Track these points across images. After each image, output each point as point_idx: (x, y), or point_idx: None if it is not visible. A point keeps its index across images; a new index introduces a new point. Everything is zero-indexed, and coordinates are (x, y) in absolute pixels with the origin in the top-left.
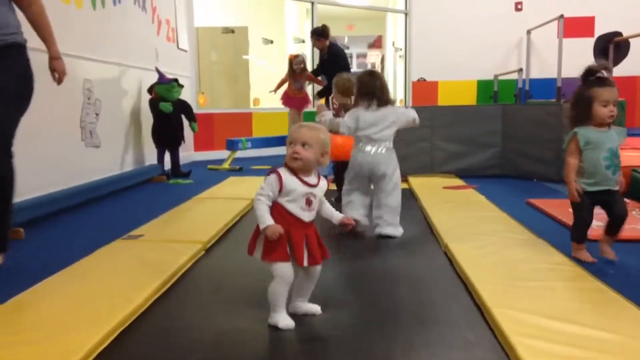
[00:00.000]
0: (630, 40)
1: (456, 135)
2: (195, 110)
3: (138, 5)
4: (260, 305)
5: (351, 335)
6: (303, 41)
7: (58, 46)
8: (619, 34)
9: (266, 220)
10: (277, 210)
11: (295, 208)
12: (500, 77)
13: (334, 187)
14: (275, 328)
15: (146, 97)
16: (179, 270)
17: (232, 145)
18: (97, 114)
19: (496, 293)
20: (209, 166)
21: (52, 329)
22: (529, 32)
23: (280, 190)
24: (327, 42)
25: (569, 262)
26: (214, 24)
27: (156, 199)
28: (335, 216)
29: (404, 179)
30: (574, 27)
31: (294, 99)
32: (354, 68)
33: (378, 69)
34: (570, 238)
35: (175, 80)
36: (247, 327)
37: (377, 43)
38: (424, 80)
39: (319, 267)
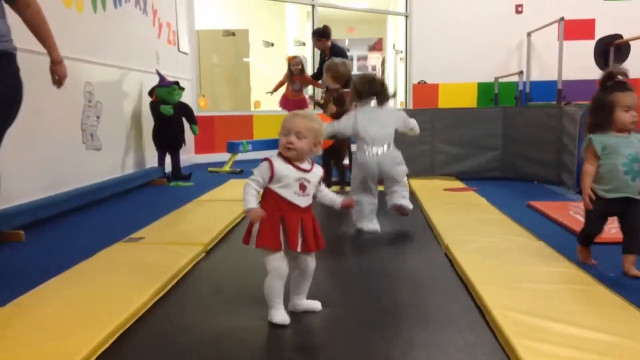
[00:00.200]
0: (631, 42)
1: (457, 138)
2: (196, 113)
3: (139, 8)
4: (260, 307)
5: (351, 335)
6: (304, 44)
7: (59, 49)
8: (619, 36)
9: (249, 203)
10: (271, 197)
11: (289, 193)
12: (500, 80)
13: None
14: (275, 328)
15: (147, 100)
16: (180, 272)
17: (232, 148)
18: (98, 117)
19: (497, 294)
20: (210, 169)
21: (52, 332)
22: (529, 34)
23: (271, 177)
24: (329, 43)
25: (570, 265)
26: (214, 27)
27: (157, 202)
28: (337, 202)
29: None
30: (575, 29)
31: (292, 102)
32: (355, 71)
33: (379, 71)
34: (577, 239)
35: (176, 83)
36: (247, 328)
37: (377, 46)
38: (425, 82)
39: (313, 264)
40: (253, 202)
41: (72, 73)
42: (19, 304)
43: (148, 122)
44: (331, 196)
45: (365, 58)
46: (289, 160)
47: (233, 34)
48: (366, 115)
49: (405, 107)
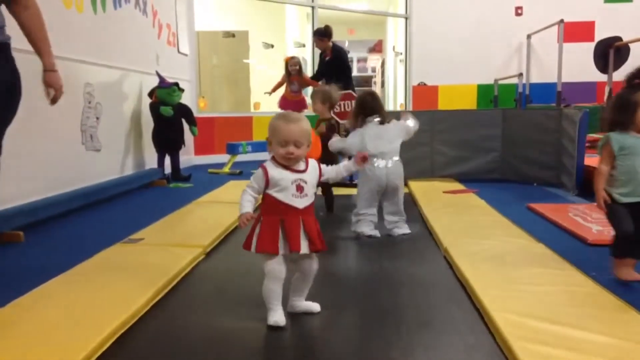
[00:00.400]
0: (631, 45)
1: (456, 140)
2: (196, 114)
3: (139, 9)
4: (259, 308)
5: (350, 337)
6: (303, 45)
7: (58, 51)
8: (619, 38)
9: (243, 208)
10: (269, 201)
11: (286, 196)
12: (500, 82)
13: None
14: (274, 330)
15: (147, 101)
16: (179, 273)
17: (232, 149)
18: (97, 118)
19: (496, 297)
20: (209, 170)
21: (52, 333)
22: (529, 36)
23: (267, 184)
24: (330, 43)
25: (569, 267)
26: (214, 28)
27: (156, 203)
28: (349, 166)
29: (404, 182)
30: (574, 31)
31: (291, 103)
32: (355, 72)
33: (378, 73)
34: (610, 253)
35: (176, 84)
36: (247, 330)
37: (377, 47)
38: (425, 84)
39: (315, 266)
40: (246, 207)
41: (72, 74)
42: (19, 304)
43: (148, 123)
44: (338, 168)
45: (365, 60)
46: (283, 165)
47: (233, 35)
48: (372, 132)
49: (405, 108)
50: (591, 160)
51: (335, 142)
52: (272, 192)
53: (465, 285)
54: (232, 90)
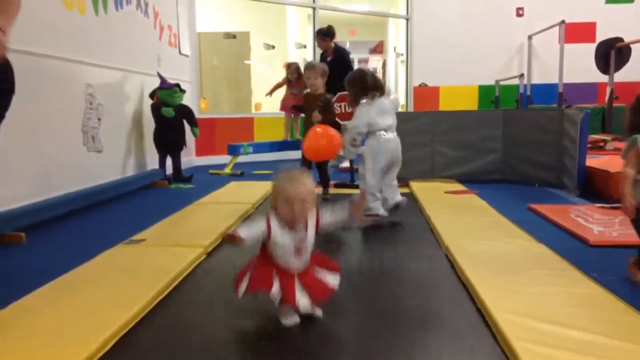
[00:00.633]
0: (632, 46)
1: (458, 141)
2: (197, 115)
3: (140, 10)
4: (261, 308)
5: (351, 338)
6: (304, 46)
7: (60, 52)
8: (620, 39)
9: (240, 232)
10: (267, 252)
11: (285, 259)
12: (501, 83)
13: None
14: (276, 330)
15: (148, 102)
16: (181, 274)
17: (233, 150)
18: (99, 119)
19: (498, 298)
20: (211, 171)
21: (53, 334)
22: (530, 37)
23: (269, 237)
24: (332, 44)
25: (571, 268)
26: (215, 29)
27: (158, 204)
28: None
29: (405, 183)
30: (576, 32)
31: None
32: None
33: (380, 74)
34: (634, 261)
35: (177, 85)
36: (248, 330)
37: (378, 48)
38: (426, 85)
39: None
40: (243, 232)
41: (73, 75)
42: (20, 306)
43: (149, 124)
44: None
45: (366, 61)
46: (286, 223)
47: (234, 36)
48: (375, 108)
49: (406, 110)
50: (592, 161)
51: (347, 151)
52: (271, 246)
53: (466, 286)
54: (233, 91)
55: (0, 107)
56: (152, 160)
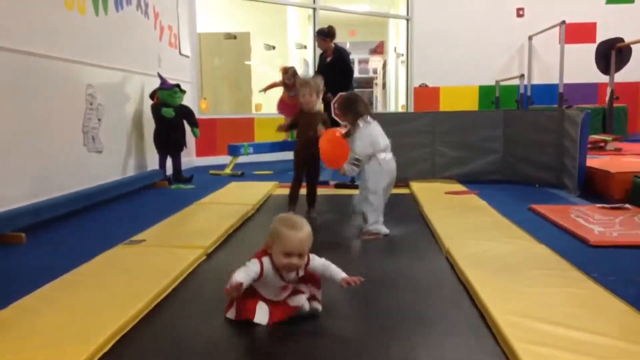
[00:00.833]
0: (632, 46)
1: (458, 141)
2: (197, 116)
3: (141, 11)
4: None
5: (351, 339)
6: (305, 47)
7: (60, 52)
8: (620, 39)
9: (237, 277)
10: (253, 286)
11: (270, 295)
12: (502, 83)
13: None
14: (276, 332)
15: (148, 103)
16: (181, 275)
17: (234, 151)
18: (99, 119)
19: (498, 298)
20: (211, 171)
21: (53, 334)
22: (530, 37)
23: (260, 277)
24: (332, 44)
25: (571, 268)
26: (216, 30)
27: (158, 204)
28: (339, 278)
29: (406, 184)
30: (576, 33)
31: (289, 106)
32: (356, 74)
33: (380, 74)
34: None
35: (178, 85)
36: (247, 331)
37: (379, 49)
38: (426, 85)
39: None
40: (240, 277)
41: (73, 76)
42: (20, 306)
43: (149, 125)
44: (335, 273)
45: (366, 61)
46: (277, 270)
47: (234, 37)
48: (374, 130)
49: (407, 110)
50: (593, 161)
51: (349, 169)
52: (258, 285)
53: (466, 286)
54: (234, 91)
55: None
56: (152, 161)
